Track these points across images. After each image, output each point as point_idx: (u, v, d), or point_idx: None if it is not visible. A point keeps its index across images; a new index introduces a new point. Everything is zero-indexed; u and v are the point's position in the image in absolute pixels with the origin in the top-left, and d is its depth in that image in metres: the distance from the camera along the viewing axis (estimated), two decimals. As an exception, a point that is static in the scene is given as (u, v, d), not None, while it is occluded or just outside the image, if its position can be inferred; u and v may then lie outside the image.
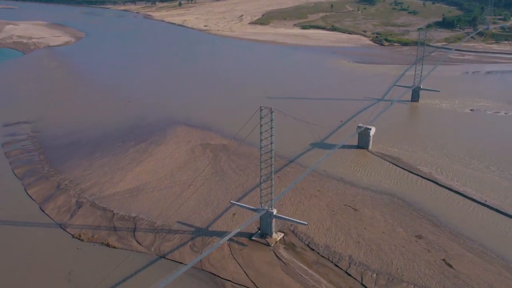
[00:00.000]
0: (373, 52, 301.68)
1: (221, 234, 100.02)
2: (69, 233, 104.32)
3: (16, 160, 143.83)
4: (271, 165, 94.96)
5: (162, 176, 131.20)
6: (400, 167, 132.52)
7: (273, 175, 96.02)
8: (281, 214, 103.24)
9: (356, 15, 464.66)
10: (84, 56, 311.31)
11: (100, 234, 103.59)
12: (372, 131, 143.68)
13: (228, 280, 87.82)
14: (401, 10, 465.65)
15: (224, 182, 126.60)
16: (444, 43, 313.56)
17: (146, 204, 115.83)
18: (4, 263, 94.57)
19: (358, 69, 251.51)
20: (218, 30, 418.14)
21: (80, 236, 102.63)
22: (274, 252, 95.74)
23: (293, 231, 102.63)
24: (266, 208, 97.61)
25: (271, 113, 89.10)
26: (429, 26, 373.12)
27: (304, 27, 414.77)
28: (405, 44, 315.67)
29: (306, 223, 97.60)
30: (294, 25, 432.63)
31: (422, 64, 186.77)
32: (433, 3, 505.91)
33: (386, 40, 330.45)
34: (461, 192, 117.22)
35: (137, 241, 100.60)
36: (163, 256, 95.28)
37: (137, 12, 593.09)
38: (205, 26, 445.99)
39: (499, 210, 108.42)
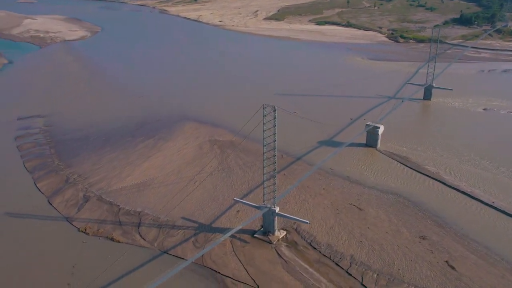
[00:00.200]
0: (387, 49, 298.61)
1: (224, 230, 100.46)
2: (75, 226, 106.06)
3: (27, 154, 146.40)
4: (274, 163, 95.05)
5: (169, 171, 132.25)
6: (408, 167, 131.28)
7: (275, 173, 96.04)
8: (285, 212, 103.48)
9: (372, 11, 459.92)
10: (99, 51, 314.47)
11: (105, 228, 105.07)
12: (381, 129, 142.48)
13: (229, 277, 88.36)
14: (418, 6, 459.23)
15: (230, 178, 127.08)
16: (460, 40, 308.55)
17: (152, 199, 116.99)
18: (11, 255, 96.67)
19: (371, 66, 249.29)
20: (232, 25, 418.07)
21: (85, 230, 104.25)
22: (275, 250, 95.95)
23: (296, 229, 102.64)
24: (269, 206, 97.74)
25: (274, 111, 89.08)
26: (446, 23, 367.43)
27: (319, 23, 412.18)
28: (421, 41, 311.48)
29: (308, 221, 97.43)
30: (309, 21, 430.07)
31: (435, 62, 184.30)
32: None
33: (401, 36, 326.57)
34: (468, 193, 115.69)
35: (141, 236, 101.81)
36: (166, 252, 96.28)
37: (153, 7, 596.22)
38: (220, 21, 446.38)
39: (506, 212, 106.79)
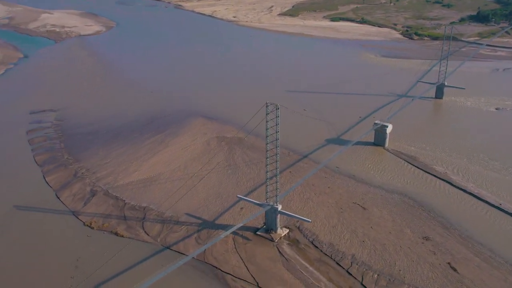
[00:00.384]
0: (401, 46, 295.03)
1: (227, 227, 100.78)
2: (81, 220, 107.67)
3: (38, 148, 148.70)
4: (277, 161, 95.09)
5: (176, 167, 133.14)
6: (415, 166, 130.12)
7: (278, 171, 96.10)
8: (288, 210, 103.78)
9: (388, 7, 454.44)
10: (112, 46, 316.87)
11: (110, 222, 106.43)
12: (389, 128, 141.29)
13: (229, 274, 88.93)
14: (435, 3, 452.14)
15: (236, 175, 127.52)
16: (476, 38, 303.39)
17: (157, 194, 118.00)
18: (17, 248, 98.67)
19: (384, 64, 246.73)
20: (246, 21, 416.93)
21: (91, 224, 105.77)
22: (277, 247, 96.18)
23: (298, 227, 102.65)
24: (271, 203, 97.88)
25: (276, 109, 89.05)
26: (462, 20, 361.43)
27: (333, 19, 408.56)
28: (436, 38, 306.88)
29: (310, 220, 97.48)
30: (324, 17, 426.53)
31: (447, 60, 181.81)
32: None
33: (416, 34, 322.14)
34: (475, 194, 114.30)
35: (144, 231, 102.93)
36: (168, 247, 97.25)
37: (168, 2, 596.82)
38: (234, 17, 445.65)
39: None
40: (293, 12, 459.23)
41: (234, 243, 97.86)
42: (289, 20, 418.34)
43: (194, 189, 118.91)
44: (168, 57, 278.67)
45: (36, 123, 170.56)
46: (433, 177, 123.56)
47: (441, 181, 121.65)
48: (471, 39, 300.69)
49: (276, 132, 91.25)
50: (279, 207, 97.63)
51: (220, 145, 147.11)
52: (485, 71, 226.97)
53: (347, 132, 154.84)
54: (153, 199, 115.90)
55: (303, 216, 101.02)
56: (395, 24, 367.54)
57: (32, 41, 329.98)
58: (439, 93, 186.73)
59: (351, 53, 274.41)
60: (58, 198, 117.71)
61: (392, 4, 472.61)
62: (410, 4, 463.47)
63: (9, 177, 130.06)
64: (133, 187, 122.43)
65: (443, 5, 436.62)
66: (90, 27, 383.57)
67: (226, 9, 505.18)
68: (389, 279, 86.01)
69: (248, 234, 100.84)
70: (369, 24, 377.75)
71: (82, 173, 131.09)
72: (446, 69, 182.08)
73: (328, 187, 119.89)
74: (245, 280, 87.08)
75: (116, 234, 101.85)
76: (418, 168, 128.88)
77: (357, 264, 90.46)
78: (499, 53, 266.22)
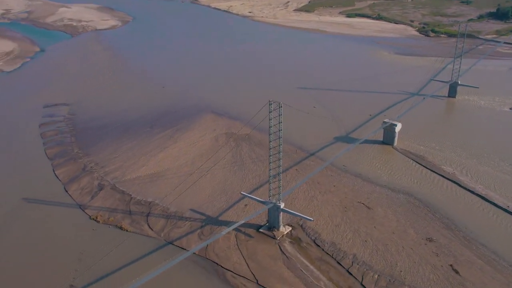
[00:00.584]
0: (417, 43, 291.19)
1: (230, 224, 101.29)
2: (87, 214, 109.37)
3: (49, 141, 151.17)
4: (279, 159, 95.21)
5: (183, 163, 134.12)
6: (423, 166, 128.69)
7: (280, 169, 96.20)
8: (292, 208, 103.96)
9: (405, 4, 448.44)
10: (128, 41, 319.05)
11: (115, 217, 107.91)
12: (398, 127, 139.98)
13: (229, 270, 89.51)
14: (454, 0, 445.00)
15: (242, 172, 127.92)
16: (494, 35, 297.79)
17: (163, 190, 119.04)
18: (22, 240, 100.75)
19: (398, 61, 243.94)
20: (262, 16, 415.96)
21: (96, 217, 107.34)
22: (278, 245, 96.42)
23: (301, 226, 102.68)
24: (274, 201, 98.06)
25: (279, 107, 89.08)
26: (481, 17, 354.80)
27: (349, 15, 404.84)
28: (452, 35, 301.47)
29: (312, 219, 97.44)
30: (340, 13, 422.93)
31: (461, 58, 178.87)
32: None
33: (432, 31, 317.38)
34: (483, 195, 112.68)
35: (149, 226, 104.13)
36: (171, 242, 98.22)
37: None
38: (250, 12, 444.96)
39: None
40: (309, 7, 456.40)
41: (236, 240, 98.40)
42: (304, 15, 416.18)
43: (199, 185, 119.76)
44: (182, 52, 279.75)
45: (49, 117, 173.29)
46: (441, 178, 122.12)
47: (448, 181, 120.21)
48: (489, 36, 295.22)
49: (279, 131, 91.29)
50: (282, 205, 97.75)
51: (228, 141, 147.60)
52: (501, 70, 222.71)
53: (356, 130, 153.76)
54: (159, 194, 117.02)
55: (306, 215, 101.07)
56: (412, 21, 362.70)
57: (49, 35, 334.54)
58: (452, 92, 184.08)
59: (365, 50, 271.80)
60: (66, 191, 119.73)
61: (410, 0, 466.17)
62: (428, 0, 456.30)
63: (19, 169, 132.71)
64: (140, 182, 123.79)
65: (462, 2, 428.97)
66: (107, 21, 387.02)
67: (242, 4, 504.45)
68: (389, 280, 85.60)
69: (251, 231, 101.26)
70: (385, 21, 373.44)
71: (91, 167, 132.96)
72: (460, 67, 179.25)
73: (334, 186, 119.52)
74: (244, 277, 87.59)
75: (121, 228, 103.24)
76: (426, 168, 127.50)
77: (358, 264, 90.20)
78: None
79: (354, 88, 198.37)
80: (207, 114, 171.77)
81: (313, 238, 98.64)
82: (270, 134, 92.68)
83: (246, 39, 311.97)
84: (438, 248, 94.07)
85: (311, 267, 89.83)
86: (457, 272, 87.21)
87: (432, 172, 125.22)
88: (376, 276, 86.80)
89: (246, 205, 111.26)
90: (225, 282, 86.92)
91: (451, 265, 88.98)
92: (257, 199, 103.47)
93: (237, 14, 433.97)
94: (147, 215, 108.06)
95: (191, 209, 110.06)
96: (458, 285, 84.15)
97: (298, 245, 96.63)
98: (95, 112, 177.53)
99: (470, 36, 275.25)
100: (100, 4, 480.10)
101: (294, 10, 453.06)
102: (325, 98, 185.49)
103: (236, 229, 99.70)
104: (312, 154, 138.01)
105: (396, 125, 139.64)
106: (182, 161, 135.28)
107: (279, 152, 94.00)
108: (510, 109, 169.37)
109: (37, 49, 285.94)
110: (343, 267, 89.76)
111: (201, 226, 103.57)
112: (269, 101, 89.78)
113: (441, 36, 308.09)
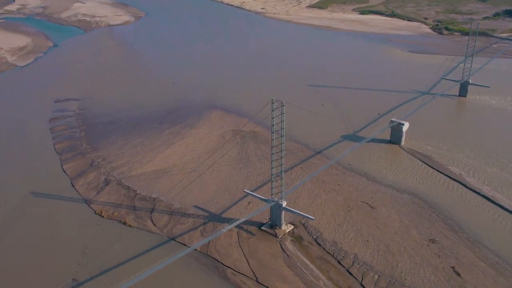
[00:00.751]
0: (430, 41, 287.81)
1: (232, 221, 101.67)
2: (92, 209, 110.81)
3: (58, 136, 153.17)
4: (282, 158, 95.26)
5: (189, 159, 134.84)
6: (430, 166, 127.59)
7: (282, 168, 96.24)
8: (295, 206, 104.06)
9: (420, 1, 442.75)
10: (140, 36, 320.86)
11: (120, 212, 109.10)
12: (405, 126, 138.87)
13: (230, 268, 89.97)
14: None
15: (247, 169, 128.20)
16: (509, 34, 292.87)
17: (168, 186, 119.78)
18: (28, 234, 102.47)
19: (410, 59, 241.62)
20: (274, 13, 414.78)
21: (101, 212, 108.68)
22: (280, 243, 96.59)
23: (303, 224, 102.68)
24: (276, 199, 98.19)
25: (282, 106, 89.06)
26: (496, 15, 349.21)
27: (362, 12, 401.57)
28: (466, 33, 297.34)
29: (313, 217, 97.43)
30: (353, 9, 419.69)
31: (472, 57, 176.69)
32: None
33: (446, 28, 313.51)
34: (489, 197, 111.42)
35: (152, 222, 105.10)
36: (173, 238, 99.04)
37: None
38: (262, 8, 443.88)
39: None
40: (322, 4, 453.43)
41: (238, 237, 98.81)
42: (317, 12, 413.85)
43: (204, 182, 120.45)
44: (192, 48, 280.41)
45: (59, 112, 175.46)
46: (447, 178, 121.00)
47: (454, 182, 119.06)
48: (504, 35, 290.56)
49: (282, 129, 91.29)
50: (284, 203, 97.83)
51: (235, 138, 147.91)
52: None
53: (364, 129, 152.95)
54: (164, 190, 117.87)
55: (309, 213, 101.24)
56: (426, 18, 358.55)
57: (63, 30, 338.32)
58: (463, 91, 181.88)
59: (377, 47, 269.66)
60: (73, 186, 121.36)
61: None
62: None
63: (28, 164, 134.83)
64: (146, 178, 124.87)
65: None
66: (120, 17, 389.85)
67: (255, 0, 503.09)
68: (389, 281, 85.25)
69: (253, 229, 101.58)
70: (399, 18, 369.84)
71: (98, 162, 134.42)
72: (471, 66, 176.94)
73: (338, 185, 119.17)
74: (244, 275, 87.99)
75: (125, 223, 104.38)
76: (433, 168, 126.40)
77: (358, 264, 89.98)
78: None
79: (365, 86, 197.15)
80: (216, 110, 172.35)
81: (314, 237, 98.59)
82: (272, 133, 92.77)
83: (258, 36, 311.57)
84: (441, 250, 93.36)
85: (311, 266, 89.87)
86: (458, 274, 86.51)
87: (438, 172, 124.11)
88: (376, 276, 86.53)
89: (249, 202, 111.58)
90: (225, 279, 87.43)
91: (452, 267, 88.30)
92: (260, 197, 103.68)
93: (250, 10, 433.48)
94: (151, 211, 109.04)
95: (194, 206, 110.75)
96: (459, 287, 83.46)
97: (299, 243, 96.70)
98: (105, 108, 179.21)
99: (484, 34, 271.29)
100: (114, 0, 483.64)
101: (307, 6, 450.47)
102: (334, 95, 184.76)
103: (238, 227, 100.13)
104: (319, 153, 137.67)
105: (403, 124, 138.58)
106: (189, 157, 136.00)
107: (282, 151, 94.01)
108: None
109: (51, 44, 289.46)
110: (343, 266, 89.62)
111: (204, 223, 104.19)
112: (272, 99, 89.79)
113: (454, 34, 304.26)
